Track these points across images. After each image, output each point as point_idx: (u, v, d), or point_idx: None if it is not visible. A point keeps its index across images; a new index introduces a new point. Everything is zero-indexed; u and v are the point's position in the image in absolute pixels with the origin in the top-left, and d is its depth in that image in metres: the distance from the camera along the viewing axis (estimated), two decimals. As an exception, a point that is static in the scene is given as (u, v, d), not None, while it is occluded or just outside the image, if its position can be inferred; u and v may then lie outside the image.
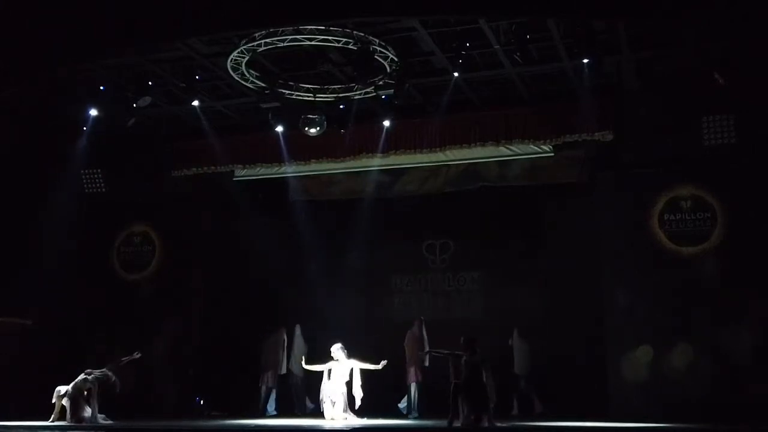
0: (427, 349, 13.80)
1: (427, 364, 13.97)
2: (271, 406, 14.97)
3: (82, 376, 12.14)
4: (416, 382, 13.96)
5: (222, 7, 10.93)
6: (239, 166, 15.79)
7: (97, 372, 12.26)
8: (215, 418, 14.70)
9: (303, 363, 13.95)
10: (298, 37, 11.85)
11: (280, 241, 16.57)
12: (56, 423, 12.00)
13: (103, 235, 16.70)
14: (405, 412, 14.09)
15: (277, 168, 15.72)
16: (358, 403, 13.23)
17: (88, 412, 12.06)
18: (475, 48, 12.50)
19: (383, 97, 13.31)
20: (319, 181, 16.73)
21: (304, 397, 15.20)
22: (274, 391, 15.05)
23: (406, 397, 14.18)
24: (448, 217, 16.06)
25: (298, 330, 15.40)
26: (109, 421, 12.18)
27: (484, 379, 10.97)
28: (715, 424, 11.45)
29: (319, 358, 13.87)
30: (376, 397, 13.93)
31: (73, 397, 12.03)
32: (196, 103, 14.07)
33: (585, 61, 12.18)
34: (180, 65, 13.23)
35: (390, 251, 16.34)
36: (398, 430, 12.31)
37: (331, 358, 13.33)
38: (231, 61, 12.51)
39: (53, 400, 12.14)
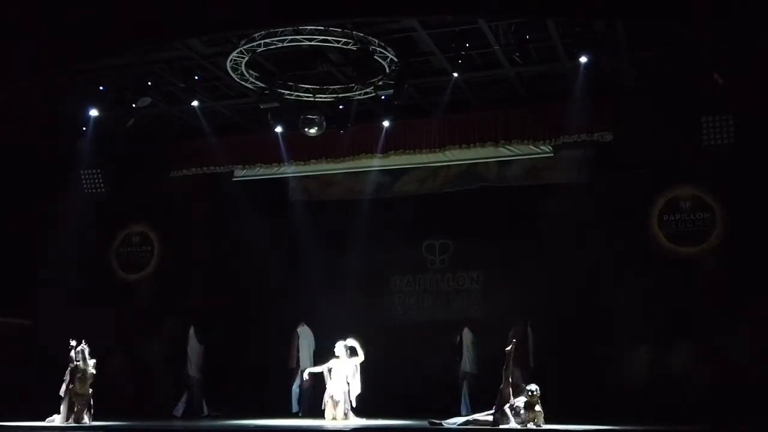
0: (532, 350, 13.48)
1: (532, 364, 13.73)
2: (295, 405, 14.89)
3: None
4: (524, 384, 13.56)
5: (222, 7, 10.92)
6: (238, 166, 15.81)
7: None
8: (215, 418, 14.68)
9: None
10: (297, 37, 11.86)
11: (279, 242, 16.56)
12: (54, 423, 12.01)
13: (102, 235, 16.70)
14: None
15: (276, 168, 15.73)
16: (354, 402, 13.19)
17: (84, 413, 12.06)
18: (475, 48, 12.50)
19: (383, 97, 13.31)
20: (319, 181, 16.73)
21: (200, 399, 15.06)
22: (298, 390, 14.92)
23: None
24: (447, 217, 16.02)
25: (191, 331, 15.24)
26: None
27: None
28: (715, 424, 11.46)
29: (321, 358, 13.88)
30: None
31: (70, 397, 12.05)
32: (195, 103, 14.07)
33: (584, 61, 12.19)
34: (179, 65, 13.23)
35: (389, 251, 16.30)
36: (398, 430, 12.31)
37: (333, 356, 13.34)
38: (230, 61, 12.52)
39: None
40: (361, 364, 13.33)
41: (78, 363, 12.10)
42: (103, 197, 16.42)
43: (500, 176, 15.69)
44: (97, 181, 16.42)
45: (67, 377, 12.12)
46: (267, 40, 11.93)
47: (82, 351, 12.19)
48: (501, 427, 10.93)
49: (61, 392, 12.09)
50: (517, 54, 12.12)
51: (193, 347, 15.19)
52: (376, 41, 12.09)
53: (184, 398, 15.05)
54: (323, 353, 13.89)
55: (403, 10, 11.02)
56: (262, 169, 15.81)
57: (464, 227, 15.99)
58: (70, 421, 11.93)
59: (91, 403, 12.11)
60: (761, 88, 12.16)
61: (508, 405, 11.09)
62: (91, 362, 12.19)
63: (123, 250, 16.84)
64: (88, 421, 11.98)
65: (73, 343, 12.17)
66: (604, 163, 14.30)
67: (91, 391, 12.13)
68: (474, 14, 11.32)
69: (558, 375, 14.27)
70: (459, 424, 11.39)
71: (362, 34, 11.89)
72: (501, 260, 15.79)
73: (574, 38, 11.92)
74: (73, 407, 11.98)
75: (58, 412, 12.09)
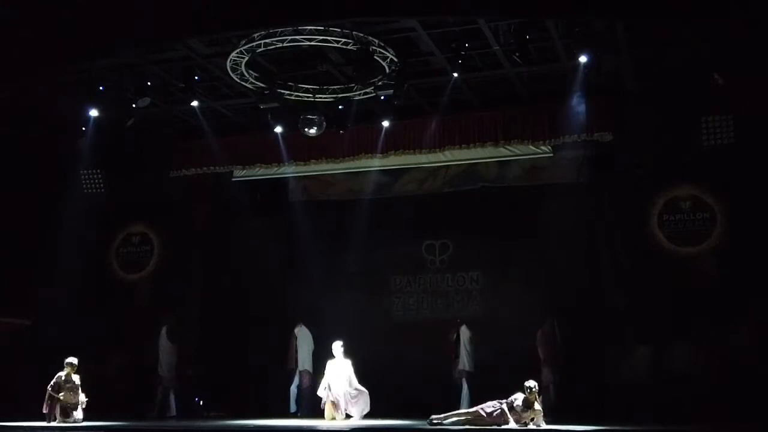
0: (560, 348, 13.36)
1: (562, 362, 13.57)
2: (293, 405, 14.83)
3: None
4: (553, 384, 13.34)
5: (221, 7, 10.92)
6: (238, 166, 15.82)
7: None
8: (215, 418, 14.68)
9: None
10: (297, 37, 11.86)
11: (278, 242, 16.56)
12: (53, 423, 12.00)
13: (102, 235, 16.70)
14: None
15: (276, 168, 15.74)
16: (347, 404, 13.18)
17: (79, 413, 12.05)
18: (474, 48, 12.50)
19: (382, 97, 13.31)
20: (319, 181, 16.73)
21: (168, 398, 14.96)
22: (296, 390, 14.88)
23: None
24: (447, 217, 16.03)
25: (163, 331, 15.12)
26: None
27: None
28: (715, 424, 11.45)
29: (320, 358, 13.88)
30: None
31: (65, 396, 12.05)
32: (195, 103, 14.07)
33: (584, 61, 12.19)
34: (179, 65, 13.23)
35: (389, 251, 16.30)
36: (398, 431, 12.30)
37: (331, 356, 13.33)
38: (230, 61, 12.51)
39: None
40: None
41: (63, 376, 12.09)
42: (103, 197, 16.43)
43: (500, 176, 15.69)
44: (97, 181, 16.42)
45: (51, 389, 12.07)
46: (267, 40, 11.92)
47: (72, 364, 12.18)
48: (501, 427, 10.93)
49: (44, 409, 12.05)
50: (517, 54, 12.11)
51: (164, 347, 15.06)
52: (376, 41, 12.08)
53: (158, 399, 14.97)
54: (323, 354, 13.87)
55: (403, 11, 11.02)
56: (261, 169, 15.82)
57: (464, 227, 15.99)
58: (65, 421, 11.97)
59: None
60: (761, 88, 12.15)
61: (506, 404, 11.08)
62: (76, 377, 12.19)
63: (123, 250, 16.84)
64: (81, 418, 12.01)
65: (70, 360, 12.19)
66: (604, 163, 14.30)
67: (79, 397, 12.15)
68: (474, 14, 11.32)
69: (558, 375, 14.28)
70: (452, 422, 11.36)
71: (362, 34, 11.89)
72: (501, 260, 15.79)
73: (574, 38, 11.92)
74: (65, 411, 11.97)
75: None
